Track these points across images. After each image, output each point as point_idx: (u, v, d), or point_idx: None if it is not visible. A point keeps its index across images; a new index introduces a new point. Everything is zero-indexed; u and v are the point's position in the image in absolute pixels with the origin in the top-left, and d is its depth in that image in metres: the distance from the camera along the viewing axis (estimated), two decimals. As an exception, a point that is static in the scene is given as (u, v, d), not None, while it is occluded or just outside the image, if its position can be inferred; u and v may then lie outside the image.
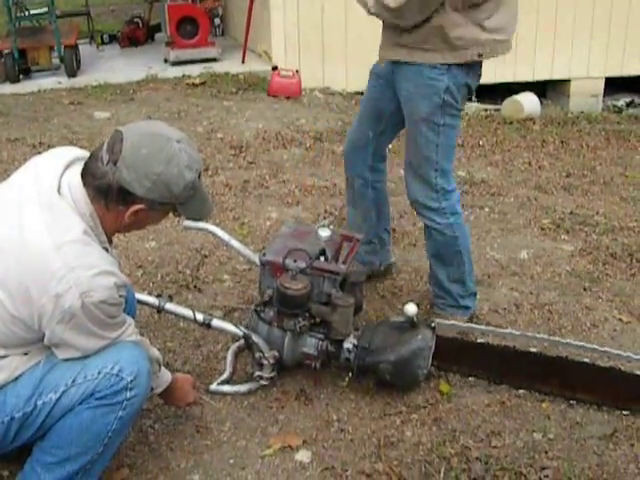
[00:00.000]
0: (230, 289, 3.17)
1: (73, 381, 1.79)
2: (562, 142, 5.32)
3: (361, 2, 2.44)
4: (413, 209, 2.81)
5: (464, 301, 2.87)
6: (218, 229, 2.80)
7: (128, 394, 1.82)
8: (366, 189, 2.93)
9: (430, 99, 2.50)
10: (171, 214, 1.96)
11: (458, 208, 2.76)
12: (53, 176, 1.77)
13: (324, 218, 3.86)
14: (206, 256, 3.45)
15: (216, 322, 2.42)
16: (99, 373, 1.79)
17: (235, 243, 2.76)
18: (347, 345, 2.45)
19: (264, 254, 2.45)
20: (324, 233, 2.51)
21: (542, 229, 3.86)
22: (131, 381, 1.82)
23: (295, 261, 2.39)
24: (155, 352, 2.06)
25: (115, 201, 1.78)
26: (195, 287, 3.17)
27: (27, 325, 1.72)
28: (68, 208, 1.74)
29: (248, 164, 4.57)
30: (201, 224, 2.89)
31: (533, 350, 2.58)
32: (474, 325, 2.65)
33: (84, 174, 1.78)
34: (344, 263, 2.46)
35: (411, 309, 2.44)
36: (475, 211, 4.08)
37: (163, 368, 2.15)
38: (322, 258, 2.45)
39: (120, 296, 1.78)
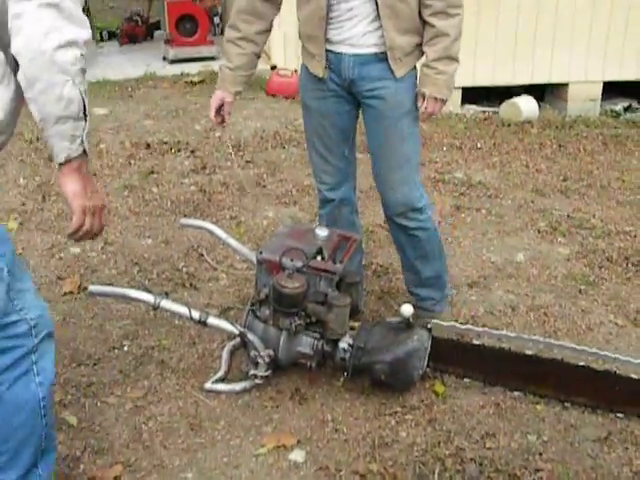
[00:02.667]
0: (226, 287, 3.17)
1: None
2: (560, 145, 5.32)
3: None
4: (394, 218, 2.66)
5: (446, 290, 2.91)
6: (215, 227, 2.80)
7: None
8: (352, 216, 2.83)
9: (413, 89, 2.48)
10: None
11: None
12: None
13: (311, 222, 3.85)
14: (202, 254, 3.45)
15: (212, 320, 2.43)
16: None
17: (232, 241, 2.76)
18: (343, 345, 2.45)
19: (261, 252, 2.45)
20: (322, 232, 2.51)
21: (539, 232, 3.87)
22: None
23: (292, 260, 2.39)
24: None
25: None
26: (191, 285, 3.17)
27: None
28: None
29: (246, 163, 4.57)
30: (198, 222, 2.90)
31: (529, 352, 2.58)
32: (470, 326, 2.65)
33: None
34: (341, 263, 2.46)
35: (407, 310, 2.45)
36: (472, 213, 4.08)
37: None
38: (319, 257, 2.45)
39: None
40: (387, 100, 2.46)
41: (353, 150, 2.74)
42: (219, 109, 2.57)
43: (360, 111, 2.62)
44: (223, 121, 2.60)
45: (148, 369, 2.62)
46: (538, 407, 2.49)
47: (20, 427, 1.74)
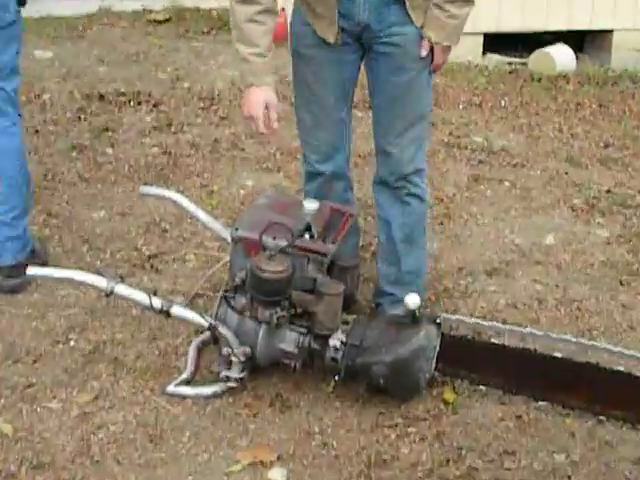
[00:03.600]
0: (194, 271, 3.17)
1: None
2: (600, 106, 5.31)
3: None
4: (392, 182, 2.72)
5: (424, 294, 2.90)
6: (182, 197, 2.80)
7: None
8: (346, 193, 2.87)
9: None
10: None
11: None
12: None
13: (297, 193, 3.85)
14: (166, 230, 3.44)
15: (177, 309, 2.42)
16: None
17: (202, 215, 2.75)
18: (334, 342, 2.44)
19: (237, 228, 2.44)
20: (311, 205, 2.49)
21: (573, 210, 3.87)
22: None
23: (274, 238, 2.37)
24: None
25: None
26: (152, 267, 3.16)
27: None
28: None
29: (220, 120, 4.55)
30: (162, 191, 2.89)
31: (558, 355, 2.59)
32: (488, 322, 2.65)
33: None
34: (333, 242, 2.45)
35: (412, 300, 2.45)
36: (493, 185, 4.08)
37: None
38: (307, 236, 2.44)
39: None
40: (406, 48, 2.51)
41: (350, 113, 2.76)
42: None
43: (362, 63, 2.63)
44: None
45: (99, 368, 2.60)
46: (567, 421, 2.50)
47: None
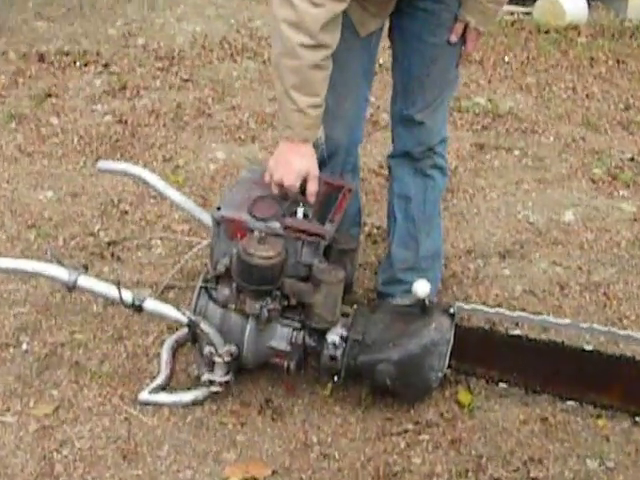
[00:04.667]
0: (162, 259, 3.16)
1: None
2: (618, 61, 5.35)
3: None
4: (417, 153, 2.78)
5: (440, 275, 3.01)
6: (149, 173, 2.77)
7: None
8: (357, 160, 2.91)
9: None
10: None
11: None
12: None
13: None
14: (126, 212, 3.43)
15: (151, 303, 2.41)
16: None
17: (173, 193, 2.75)
18: (332, 338, 2.44)
19: (219, 208, 2.43)
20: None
21: (593, 181, 3.90)
22: None
23: (263, 219, 2.37)
24: None
25: None
26: (112, 256, 3.15)
27: None
28: None
29: (182, 82, 4.53)
30: (124, 165, 2.86)
31: (586, 347, 2.60)
32: (508, 312, 2.66)
33: None
34: (331, 222, 2.44)
35: (422, 288, 2.44)
36: (501, 154, 4.10)
37: None
38: (300, 215, 2.43)
39: None
40: (448, 4, 2.56)
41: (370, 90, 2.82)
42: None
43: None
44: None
45: (58, 375, 2.59)
46: (600, 422, 2.52)
47: None
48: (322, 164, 2.70)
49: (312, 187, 2.44)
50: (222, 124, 4.16)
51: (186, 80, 4.57)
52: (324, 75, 2.38)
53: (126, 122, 4.09)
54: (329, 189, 2.56)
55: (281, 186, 2.43)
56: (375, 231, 3.39)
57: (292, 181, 2.41)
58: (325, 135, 2.71)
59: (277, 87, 2.40)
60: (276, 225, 2.37)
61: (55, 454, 2.32)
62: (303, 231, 2.39)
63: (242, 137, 4.06)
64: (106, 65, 4.65)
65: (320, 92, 2.38)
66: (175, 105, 4.29)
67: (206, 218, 2.75)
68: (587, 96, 4.83)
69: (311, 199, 2.45)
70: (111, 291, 2.39)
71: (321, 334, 2.45)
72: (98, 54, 4.75)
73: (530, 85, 4.91)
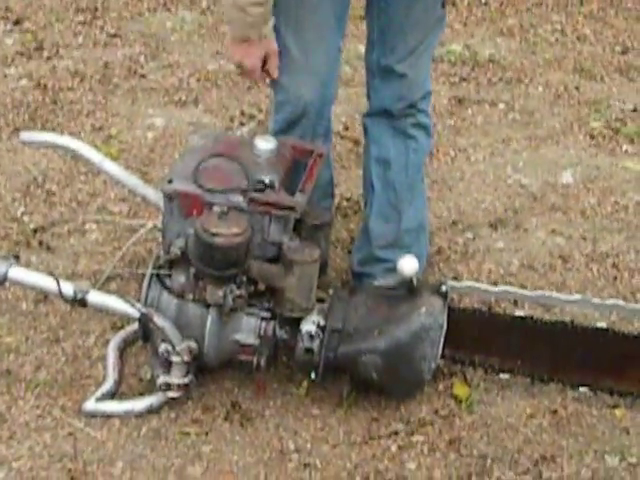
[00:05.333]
0: (99, 245, 3.16)
1: None
2: (611, -3, 5.38)
3: None
4: (396, 111, 2.80)
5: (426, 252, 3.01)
6: (80, 143, 2.75)
7: None
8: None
9: None
10: None
11: None
12: None
13: (241, 124, 3.84)
14: (53, 193, 3.40)
15: (95, 296, 2.40)
16: None
17: (111, 166, 2.73)
18: (308, 327, 2.45)
19: (170, 181, 2.42)
20: (266, 144, 2.48)
21: (592, 136, 3.93)
22: None
23: (224, 191, 2.36)
24: None
25: None
26: (41, 244, 3.13)
27: None
28: None
29: (109, 38, 4.49)
30: (49, 136, 2.83)
31: (600, 325, 2.62)
32: (509, 288, 2.67)
33: None
34: (302, 192, 2.44)
35: (408, 265, 2.45)
36: (483, 109, 4.12)
37: None
38: (265, 185, 2.41)
39: None
40: None
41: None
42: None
43: None
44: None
45: (-15, 385, 2.58)
46: (617, 412, 2.56)
47: None
48: (289, 127, 2.73)
49: (273, 62, 2.59)
50: (158, 85, 4.14)
51: (113, 35, 4.53)
52: None
53: (45, 87, 4.04)
54: (297, 154, 2.56)
55: (243, 70, 2.60)
56: (345, 203, 3.40)
57: (253, 62, 2.56)
58: (292, 93, 2.70)
59: None
60: (239, 198, 2.36)
61: (-10, 478, 2.30)
62: (270, 204, 2.38)
63: (182, 99, 4.04)
64: (17, 21, 4.58)
65: None
66: (102, 65, 4.25)
67: (152, 194, 2.74)
68: (578, 39, 4.86)
69: (274, 75, 2.61)
70: (48, 283, 2.38)
71: (294, 324, 2.45)
72: (7, 9, 4.67)
73: (512, 28, 4.92)
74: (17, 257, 2.43)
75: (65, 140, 2.74)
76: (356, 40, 4.02)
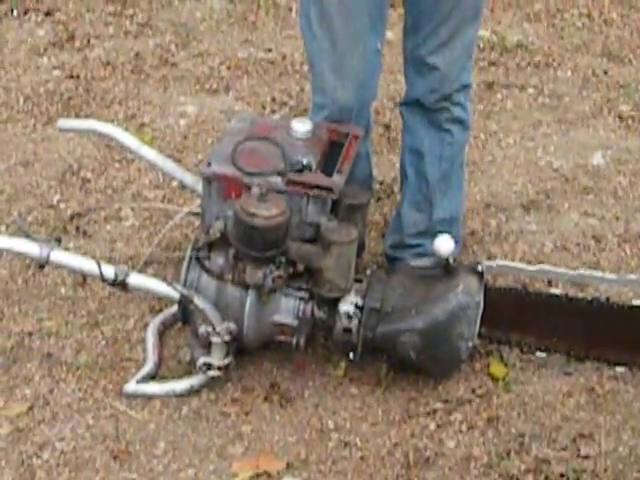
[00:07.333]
0: (135, 231, 3.17)
1: None
2: (637, -20, 5.35)
3: None
4: (431, 104, 2.77)
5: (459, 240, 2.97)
6: (118, 129, 2.77)
7: None
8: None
9: None
10: None
11: None
12: None
13: (273, 112, 3.83)
14: (88, 180, 3.41)
15: (136, 278, 2.41)
16: None
17: (149, 152, 2.75)
18: (346, 307, 2.46)
19: (209, 164, 2.42)
20: (302, 127, 2.49)
21: (621, 118, 3.91)
22: None
23: (262, 173, 2.37)
24: None
25: None
26: (78, 230, 3.14)
27: None
28: None
29: (139, 28, 4.49)
30: (88, 122, 2.85)
31: (638, 303, 2.61)
32: (546, 267, 2.67)
33: None
34: (339, 173, 2.44)
35: (445, 245, 2.46)
36: (513, 93, 4.09)
37: None
38: (302, 167, 2.42)
39: None
40: None
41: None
42: None
43: None
44: None
45: (29, 369, 2.59)
46: (654, 389, 2.56)
47: None
48: None
49: None
50: (189, 73, 4.12)
51: (143, 25, 4.51)
52: None
53: (78, 77, 4.04)
54: (333, 136, 2.57)
55: None
56: (378, 187, 3.38)
57: None
58: (329, 96, 2.68)
59: None
60: (277, 179, 2.37)
61: (35, 459, 2.32)
62: (308, 185, 2.39)
63: (214, 87, 4.03)
64: (49, 12, 4.57)
65: None
66: (133, 54, 4.24)
67: (189, 178, 2.75)
68: (605, 22, 4.82)
69: None
70: (89, 266, 2.39)
71: (332, 304, 2.46)
72: (38, 0, 4.68)
73: (539, 13, 4.88)
74: (59, 240, 2.43)
75: (102, 126, 2.75)
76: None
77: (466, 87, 2.81)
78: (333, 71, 2.63)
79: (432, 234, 2.74)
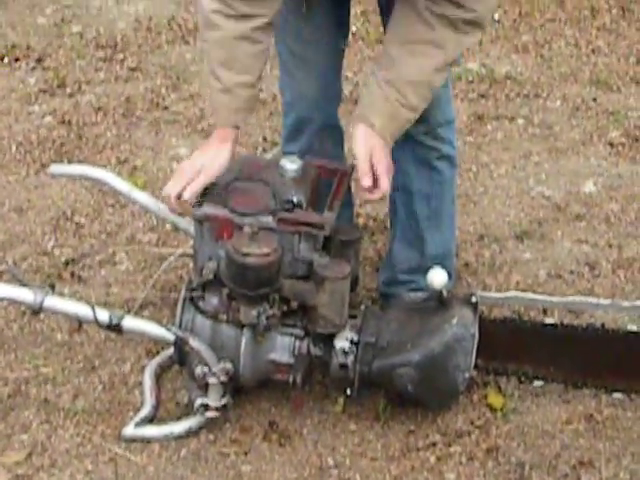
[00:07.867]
0: (130, 274, 3.17)
1: None
2: (622, 9, 5.35)
3: None
4: (419, 137, 2.73)
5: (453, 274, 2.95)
6: (109, 174, 2.77)
7: None
8: (338, 149, 2.93)
9: None
10: None
11: None
12: None
13: (264, 151, 3.83)
14: (82, 225, 3.41)
15: (131, 321, 2.41)
16: None
17: (141, 196, 2.75)
18: (341, 343, 2.46)
19: (200, 204, 2.43)
20: (291, 165, 2.49)
21: (611, 146, 3.93)
22: None
23: (253, 212, 2.37)
24: None
25: None
26: (73, 276, 3.14)
27: None
28: None
29: (130, 72, 4.51)
30: (80, 168, 2.86)
31: (633, 328, 2.62)
32: (539, 296, 2.67)
33: None
34: (330, 210, 2.45)
35: (438, 277, 2.46)
36: (503, 124, 4.11)
37: None
38: (293, 205, 2.43)
39: None
40: None
41: (347, 42, 2.79)
42: None
43: None
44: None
45: (26, 416, 2.58)
46: (653, 414, 2.56)
47: None
48: (298, 129, 2.78)
49: (196, 185, 2.41)
50: (181, 116, 4.14)
51: (134, 69, 4.53)
52: (256, 50, 2.39)
53: (70, 122, 4.04)
54: (322, 174, 2.58)
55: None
56: (371, 223, 3.40)
57: (184, 174, 2.44)
58: (296, 91, 2.73)
59: (206, 67, 2.44)
60: (268, 219, 2.38)
61: (32, 505, 2.31)
62: (299, 223, 2.40)
63: (205, 128, 4.02)
64: (39, 59, 4.59)
65: (251, 69, 2.41)
66: (124, 99, 4.25)
67: (181, 221, 2.75)
68: (592, 51, 4.85)
69: (185, 197, 2.41)
70: (83, 311, 2.39)
71: (328, 340, 2.46)
72: (28, 47, 4.68)
73: (526, 44, 4.91)
74: (53, 287, 2.44)
75: (94, 171, 2.77)
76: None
77: (451, 122, 2.79)
78: (297, 67, 2.70)
79: (425, 270, 2.71)
